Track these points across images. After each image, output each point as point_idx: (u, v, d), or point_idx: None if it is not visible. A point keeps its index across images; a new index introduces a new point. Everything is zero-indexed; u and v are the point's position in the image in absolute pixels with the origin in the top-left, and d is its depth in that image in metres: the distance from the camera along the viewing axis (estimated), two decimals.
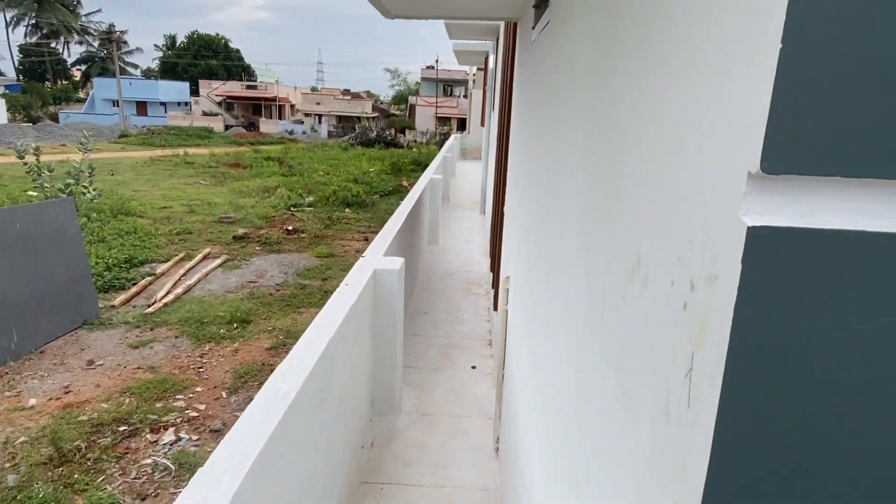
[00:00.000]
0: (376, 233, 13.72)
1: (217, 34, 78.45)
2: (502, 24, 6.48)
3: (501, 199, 4.40)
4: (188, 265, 10.11)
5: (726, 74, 0.53)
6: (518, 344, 2.61)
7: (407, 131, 48.80)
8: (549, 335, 1.63)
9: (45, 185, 12.19)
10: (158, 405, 5.63)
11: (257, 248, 11.72)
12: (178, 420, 5.39)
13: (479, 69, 21.59)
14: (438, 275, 6.61)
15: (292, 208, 15.49)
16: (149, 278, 9.32)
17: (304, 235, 12.63)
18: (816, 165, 0.46)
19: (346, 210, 15.68)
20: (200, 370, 6.41)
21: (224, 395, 5.91)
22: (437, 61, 53.00)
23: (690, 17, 0.62)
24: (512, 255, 3.12)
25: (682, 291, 0.59)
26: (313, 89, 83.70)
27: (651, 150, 0.74)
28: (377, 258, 3.49)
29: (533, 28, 2.52)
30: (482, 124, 12.60)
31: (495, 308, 4.59)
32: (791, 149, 0.45)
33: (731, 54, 0.52)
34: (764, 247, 0.47)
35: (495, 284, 4.96)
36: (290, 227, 13.09)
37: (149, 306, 8.13)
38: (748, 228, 0.47)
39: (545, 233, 1.88)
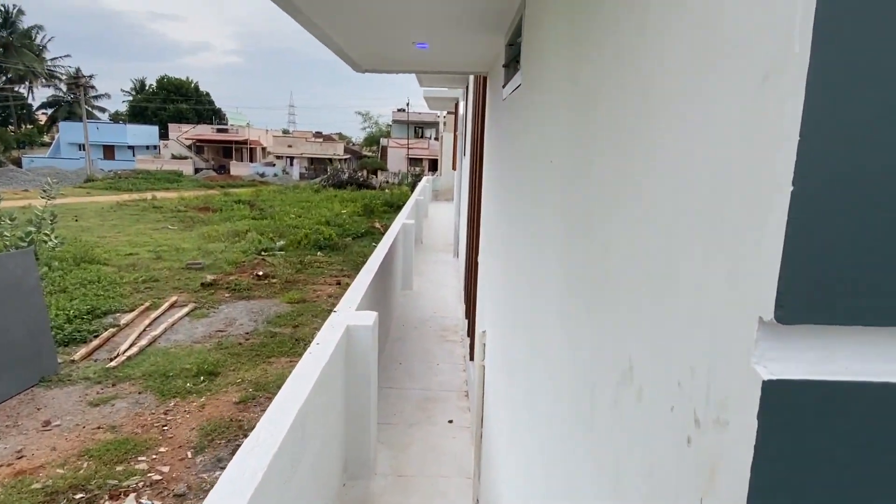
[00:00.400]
0: (349, 276, 13.61)
1: (187, 78, 78.54)
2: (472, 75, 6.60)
3: (475, 249, 4.38)
4: (154, 315, 9.81)
5: (728, 206, 0.50)
6: (496, 406, 2.53)
7: (379, 172, 49.07)
8: (530, 410, 1.57)
9: (5, 234, 11.81)
10: (119, 468, 5.33)
11: (226, 294, 11.46)
12: (140, 484, 5.11)
13: (449, 113, 21.95)
14: (413, 321, 6.51)
15: (263, 253, 15.27)
16: (112, 330, 8.99)
17: (274, 281, 12.42)
18: (833, 314, 0.42)
19: (318, 253, 15.52)
20: (165, 428, 6.13)
21: (189, 454, 5.64)
22: (407, 104, 53.80)
23: (693, 144, 0.59)
24: (488, 309, 3.07)
25: (685, 423, 0.54)
26: (285, 132, 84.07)
27: (640, 266, 0.70)
28: (349, 313, 3.40)
29: (503, 87, 2.53)
30: (454, 168, 12.72)
31: (472, 358, 4.51)
32: (806, 297, 0.41)
33: (733, 200, 0.48)
34: (781, 401, 0.42)
35: (471, 333, 4.88)
36: (261, 273, 12.87)
37: (111, 360, 7.81)
38: (764, 382, 0.42)
39: (523, 304, 1.84)
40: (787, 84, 0.40)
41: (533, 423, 1.53)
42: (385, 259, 5.79)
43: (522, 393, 1.73)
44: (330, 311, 10.37)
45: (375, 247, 16.72)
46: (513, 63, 2.44)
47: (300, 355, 8.37)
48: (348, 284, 12.60)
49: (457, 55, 3.06)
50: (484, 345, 3.06)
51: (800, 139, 0.39)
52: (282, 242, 16.20)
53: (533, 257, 1.62)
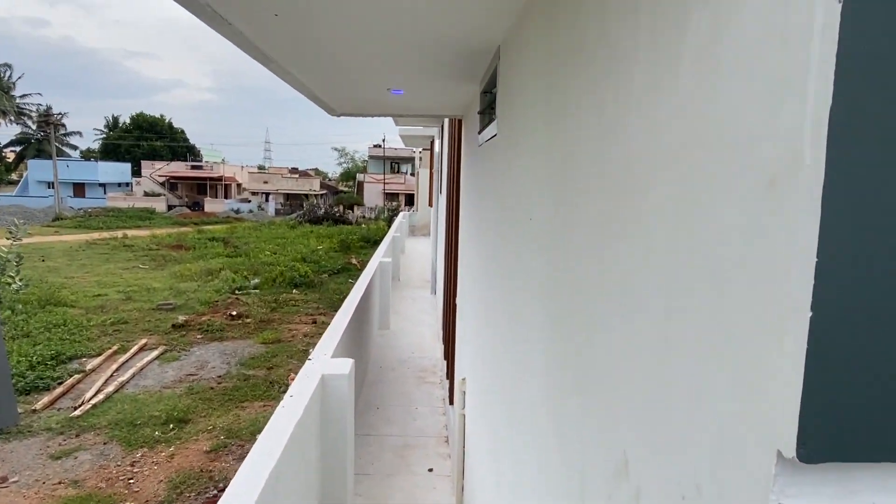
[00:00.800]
0: (325, 315, 13.41)
1: (161, 115, 78.39)
2: None
3: (452, 290, 4.33)
4: (122, 359, 9.49)
5: (737, 344, 0.45)
6: (479, 459, 2.44)
7: (355, 207, 49.07)
8: (515, 476, 1.50)
9: None
10: None
11: (198, 336, 11.17)
12: None
13: (424, 149, 22.13)
14: (390, 362, 6.38)
15: (237, 292, 15.00)
16: (77, 376, 8.65)
17: (248, 321, 12.16)
18: (858, 451, 0.37)
19: (294, 291, 15.30)
20: (131, 481, 5.85)
21: None
22: (383, 140, 54.23)
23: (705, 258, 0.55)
24: (467, 355, 3.00)
25: None
26: (261, 168, 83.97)
27: (632, 360, 0.65)
28: (325, 361, 3.30)
29: (479, 133, 2.52)
30: (430, 205, 12.74)
31: (451, 401, 4.41)
32: (829, 435, 0.37)
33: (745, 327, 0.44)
34: None
35: (450, 375, 4.79)
36: (235, 312, 12.60)
37: (75, 408, 7.49)
38: None
39: (505, 369, 1.78)
40: (799, 196, 0.36)
41: (519, 491, 1.46)
42: (362, 299, 5.70)
43: (508, 463, 1.66)
44: (306, 352, 10.18)
45: (353, 283, 16.58)
46: (488, 111, 2.44)
47: (275, 399, 8.15)
48: (325, 323, 12.42)
49: (432, 100, 3.06)
50: (464, 392, 2.98)
51: (818, 260, 0.35)
52: (256, 280, 15.96)
53: (513, 320, 1.57)
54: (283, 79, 2.50)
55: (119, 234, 28.46)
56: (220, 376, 9.02)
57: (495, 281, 2.10)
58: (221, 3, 1.49)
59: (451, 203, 4.80)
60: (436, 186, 9.26)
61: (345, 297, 14.41)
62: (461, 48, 1.97)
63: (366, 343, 5.80)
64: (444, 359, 5.52)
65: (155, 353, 9.92)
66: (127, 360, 9.49)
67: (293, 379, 8.50)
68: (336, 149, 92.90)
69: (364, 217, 43.51)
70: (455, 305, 4.06)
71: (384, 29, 1.80)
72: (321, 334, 11.29)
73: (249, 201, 55.51)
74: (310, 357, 3.31)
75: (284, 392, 8.30)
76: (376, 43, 1.96)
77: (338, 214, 38.04)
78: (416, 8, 1.59)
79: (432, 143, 12.01)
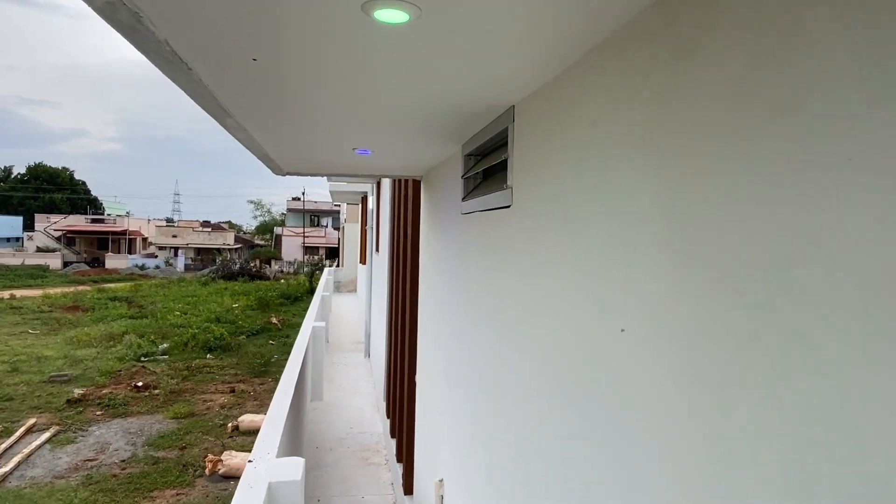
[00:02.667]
0: (245, 382, 12.41)
1: (63, 168, 73.90)
2: None
3: (409, 366, 3.93)
4: (4, 444, 8.19)
5: None
6: None
7: (273, 262, 47.37)
8: None
9: None
10: None
11: (98, 412, 9.93)
12: None
13: (351, 203, 21.73)
14: (327, 441, 5.78)
15: (143, 359, 13.68)
16: None
17: (157, 392, 11.01)
18: None
19: (209, 356, 14.16)
20: None
21: None
22: (303, 193, 53.34)
23: None
24: (445, 454, 2.61)
25: None
26: (169, 221, 79.91)
27: None
28: (270, 463, 2.78)
29: (464, 199, 2.23)
30: (362, 262, 12.29)
31: (408, 491, 3.94)
32: None
33: None
34: None
35: (403, 458, 4.32)
36: (140, 383, 11.40)
37: None
38: None
39: (514, 472, 1.43)
40: None
41: None
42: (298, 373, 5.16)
43: None
44: (223, 426, 9.24)
45: (273, 346, 15.61)
46: (478, 177, 2.16)
47: (189, 485, 7.22)
48: (244, 392, 11.46)
49: (397, 161, 2.76)
50: (442, 496, 2.57)
51: None
52: (165, 345, 14.68)
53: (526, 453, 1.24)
54: (235, 135, 2.11)
55: (6, 294, 25.76)
56: (123, 460, 7.96)
57: (502, 386, 1.76)
58: (185, 44, 1.12)
59: (401, 268, 4.45)
60: (370, 242, 8.88)
61: (266, 362, 13.45)
62: (462, 109, 1.68)
63: (299, 419, 5.22)
64: (392, 436, 5.04)
65: (46, 434, 8.67)
66: (11, 446, 8.21)
67: (211, 461, 7.61)
68: (252, 202, 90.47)
69: (282, 272, 42.02)
70: (414, 383, 3.66)
71: (378, 88, 1.49)
72: (240, 405, 10.36)
73: (156, 256, 52.40)
74: (249, 458, 2.78)
75: (200, 476, 7.38)
76: (362, 102, 1.63)
77: (254, 269, 36.49)
78: (429, 66, 1.28)
79: (363, 199, 11.68)
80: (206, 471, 7.42)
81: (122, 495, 6.83)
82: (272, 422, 3.38)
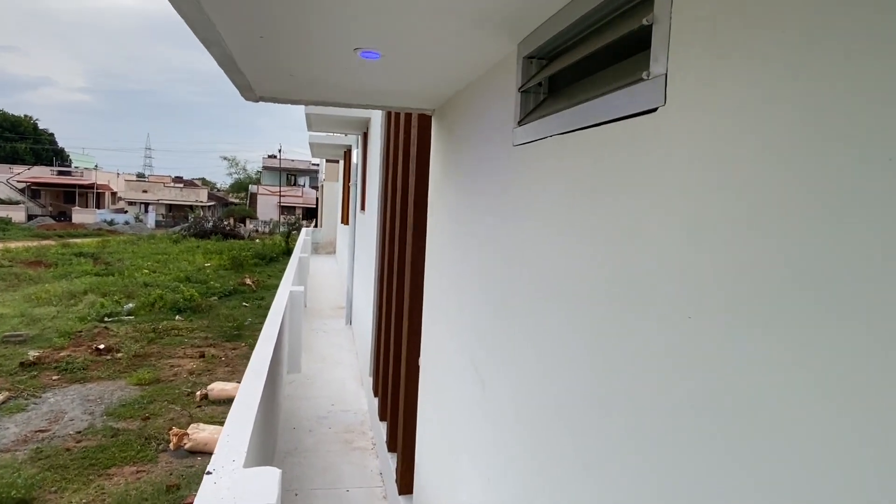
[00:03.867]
0: (215, 346, 11.66)
1: (26, 116, 70.66)
2: (378, 117, 5.58)
3: (409, 344, 3.27)
4: None
5: None
6: None
7: (248, 221, 46.07)
8: None
9: None
10: None
11: (54, 377, 9.16)
12: None
13: (329, 161, 20.75)
14: (306, 421, 5.15)
15: (106, 319, 12.84)
16: None
17: (119, 356, 10.24)
18: None
19: (177, 317, 13.36)
20: None
21: None
22: (279, 150, 51.64)
23: None
24: (467, 462, 1.97)
25: None
26: (140, 176, 77.33)
27: None
28: (234, 476, 2.12)
29: (520, 124, 1.53)
30: (344, 221, 11.51)
31: (405, 490, 3.32)
32: None
33: None
34: None
35: (396, 447, 3.71)
36: (102, 346, 10.61)
37: None
38: None
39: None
40: None
41: None
42: (275, 343, 4.49)
43: None
44: (191, 394, 8.55)
45: (247, 308, 14.82)
46: (542, 89, 1.46)
47: (151, 461, 6.56)
48: (215, 357, 10.73)
49: (409, 78, 2.03)
50: None
51: None
52: (131, 305, 13.83)
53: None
54: (198, 32, 1.37)
55: None
56: (79, 432, 7.25)
57: (608, 405, 1.10)
58: None
59: (398, 230, 3.74)
60: (353, 201, 8.12)
61: (239, 325, 12.71)
62: None
63: (274, 395, 4.56)
64: (382, 420, 4.42)
65: None
66: None
67: (176, 434, 6.95)
68: (226, 158, 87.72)
69: (257, 231, 40.87)
70: (416, 367, 3.01)
71: None
72: (210, 371, 9.65)
73: (126, 212, 50.63)
74: (209, 469, 2.11)
75: (163, 451, 6.72)
76: None
77: (228, 228, 35.32)
78: None
79: (346, 154, 10.83)
80: (171, 445, 6.76)
81: (74, 472, 6.15)
82: (239, 417, 2.71)
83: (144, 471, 6.32)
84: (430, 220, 2.76)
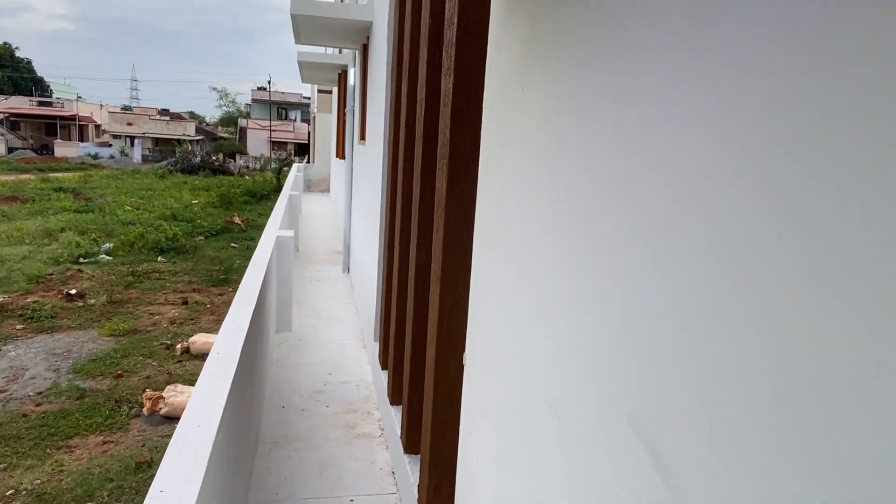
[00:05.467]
0: (200, 291, 10.68)
1: (5, 43, 67.21)
2: (383, 17, 4.39)
3: (433, 321, 2.30)
4: None
5: None
6: None
7: (237, 156, 44.36)
8: None
9: None
10: None
11: (18, 326, 8.23)
12: None
13: (321, 92, 19.23)
14: (298, 397, 4.23)
15: (81, 260, 11.82)
16: None
17: (92, 302, 9.28)
18: None
19: (160, 258, 12.37)
20: None
21: None
22: (269, 82, 49.15)
23: None
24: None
25: None
26: (125, 108, 74.28)
27: None
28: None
29: None
30: (339, 156, 10.32)
31: (428, 496, 2.41)
32: None
33: None
34: None
35: (419, 447, 2.82)
36: (74, 291, 9.63)
37: None
38: None
39: None
40: None
41: None
42: (256, 307, 3.53)
43: None
44: (170, 347, 7.66)
45: (235, 249, 13.78)
46: None
47: (121, 429, 5.69)
48: (199, 304, 9.76)
49: None
50: None
51: None
52: (109, 245, 12.78)
53: None
54: None
55: None
56: (40, 393, 6.37)
57: None
58: None
59: (423, 155, 2.68)
60: (351, 133, 6.98)
61: (226, 268, 11.71)
62: None
63: (258, 363, 3.64)
64: (395, 403, 3.49)
65: None
66: None
67: (150, 398, 6.07)
68: (215, 89, 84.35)
69: (248, 167, 39.35)
70: (460, 364, 2.03)
71: None
72: (194, 320, 8.68)
73: (111, 145, 48.71)
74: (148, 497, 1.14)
75: (135, 416, 5.84)
76: None
77: (217, 163, 33.81)
78: None
79: (341, 78, 9.53)
80: (144, 410, 5.90)
81: (29, 444, 5.29)
82: (199, 420, 1.73)
83: (112, 441, 5.47)
84: (492, 140, 1.71)
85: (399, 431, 3.18)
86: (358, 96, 6.66)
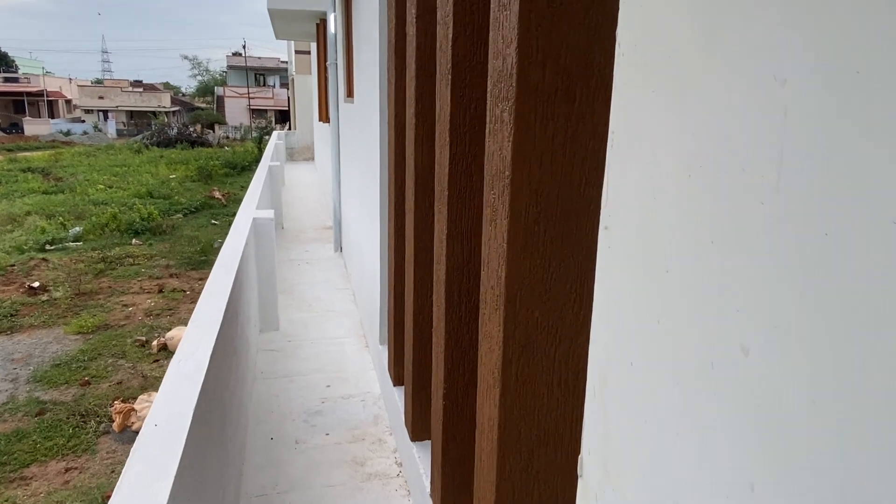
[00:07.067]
0: (178, 277, 9.71)
1: None
2: None
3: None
4: None
5: None
6: None
7: (216, 127, 42.66)
8: None
9: None
10: None
11: None
12: None
13: (298, 52, 17.91)
14: (290, 422, 3.39)
15: (48, 248, 10.82)
16: None
17: (58, 296, 8.35)
18: None
19: (134, 241, 11.39)
20: None
21: None
22: (244, 47, 46.91)
23: None
24: None
25: None
26: (98, 82, 71.40)
27: None
28: None
29: None
30: (323, 119, 9.27)
31: None
32: None
33: None
34: None
35: (443, 482, 2.04)
36: (37, 283, 8.69)
37: None
38: None
39: None
40: None
41: None
42: (230, 296, 2.69)
43: None
44: (145, 344, 6.78)
45: (217, 226, 12.78)
46: None
47: (87, 451, 4.84)
48: (177, 291, 8.84)
49: None
50: None
51: None
52: (78, 229, 11.76)
53: None
54: None
55: None
56: None
57: None
58: None
59: (459, 94, 1.76)
60: (334, 90, 5.98)
61: (205, 248, 10.78)
62: None
63: (235, 388, 2.80)
64: (418, 439, 2.67)
65: None
66: None
67: (119, 412, 5.24)
68: (186, 57, 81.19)
69: (227, 138, 37.82)
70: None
71: None
72: (172, 311, 7.73)
73: (83, 121, 46.76)
74: None
75: (105, 433, 5.02)
76: None
77: (194, 135, 32.33)
78: None
79: (320, 29, 8.41)
80: (114, 425, 5.08)
81: None
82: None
83: (76, 468, 4.65)
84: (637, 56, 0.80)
85: (427, 484, 2.36)
86: (341, 45, 5.64)
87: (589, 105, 1.24)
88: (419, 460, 2.52)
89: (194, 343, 1.93)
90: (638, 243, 0.85)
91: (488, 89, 1.37)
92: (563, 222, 1.31)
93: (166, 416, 1.60)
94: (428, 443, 2.61)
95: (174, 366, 1.81)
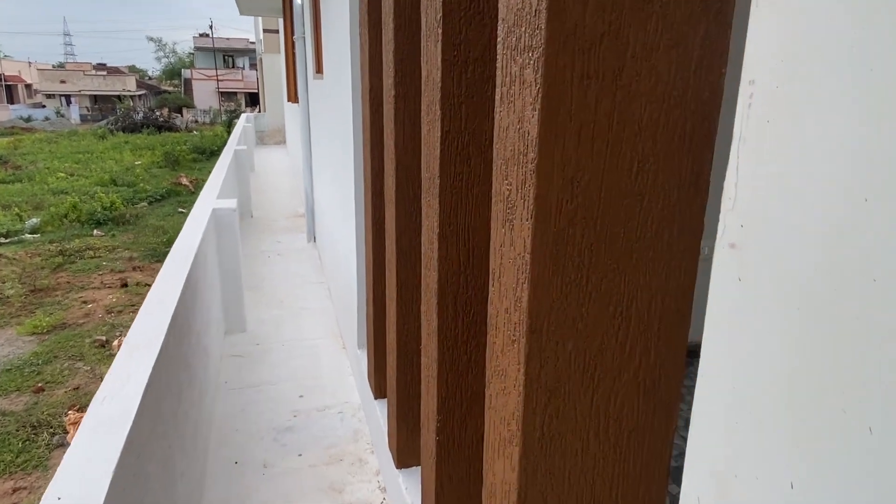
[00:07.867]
0: (143, 270, 9.18)
1: None
2: None
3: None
4: None
5: None
6: None
7: (184, 110, 41.33)
8: None
9: None
10: None
11: None
12: None
13: (266, 31, 17.17)
14: (257, 442, 3.00)
15: (1, 241, 10.17)
16: None
17: (11, 293, 7.79)
18: None
19: (95, 232, 10.77)
20: None
21: None
22: (211, 27, 45.37)
23: None
24: None
25: None
26: (60, 65, 68.64)
27: None
28: None
29: None
30: (292, 99, 8.74)
31: None
32: None
33: None
34: None
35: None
36: None
37: None
38: None
39: None
40: None
41: None
42: (178, 303, 2.29)
43: None
44: (105, 344, 6.31)
45: (184, 215, 12.19)
46: None
47: (39, 466, 4.39)
48: (140, 285, 8.33)
49: None
50: None
51: None
52: (35, 220, 11.09)
53: None
54: None
55: None
56: None
57: None
58: None
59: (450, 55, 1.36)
60: (304, 67, 5.51)
61: (171, 239, 10.35)
62: None
63: (189, 398, 2.41)
64: (403, 465, 2.32)
65: None
66: None
67: (73, 422, 4.81)
68: (152, 39, 78.47)
69: (196, 122, 36.66)
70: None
71: None
72: (135, 307, 7.25)
73: (45, 106, 44.97)
74: None
75: (59, 445, 4.57)
76: None
77: (161, 119, 31.20)
78: None
79: (285, 2, 7.85)
80: (69, 436, 4.64)
81: None
82: None
83: (25, 487, 4.23)
84: None
85: None
86: (309, 17, 5.17)
87: (647, 57, 0.87)
88: (406, 491, 2.17)
89: (123, 374, 1.54)
90: (789, 278, 0.49)
91: (499, 38, 0.99)
92: (609, 223, 0.94)
93: (78, 481, 1.21)
94: (415, 469, 2.26)
95: (94, 407, 1.42)
